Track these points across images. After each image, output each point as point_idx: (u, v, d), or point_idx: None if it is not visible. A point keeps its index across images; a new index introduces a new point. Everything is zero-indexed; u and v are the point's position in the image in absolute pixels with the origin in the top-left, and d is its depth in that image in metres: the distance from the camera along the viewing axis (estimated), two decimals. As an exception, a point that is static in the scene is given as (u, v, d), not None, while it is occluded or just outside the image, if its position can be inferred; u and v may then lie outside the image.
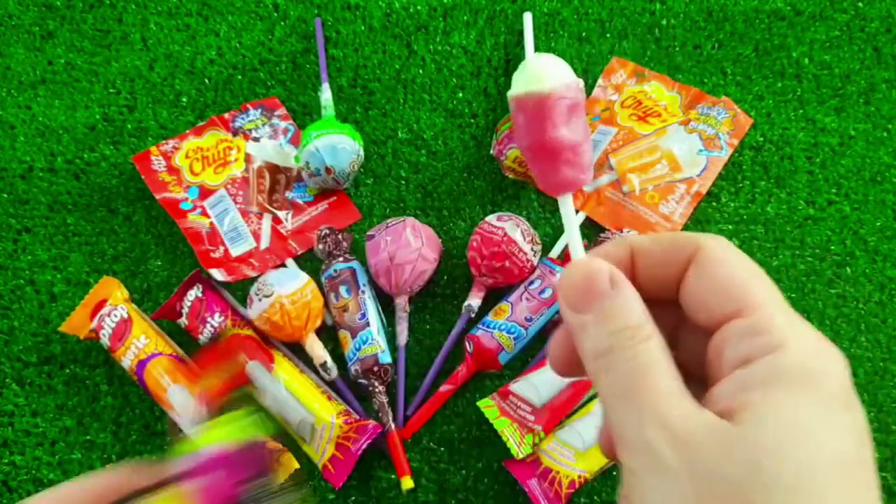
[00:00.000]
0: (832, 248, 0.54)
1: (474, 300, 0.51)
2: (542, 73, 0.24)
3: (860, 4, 0.63)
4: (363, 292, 0.50)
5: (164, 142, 0.58)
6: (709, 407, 0.17)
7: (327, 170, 0.53)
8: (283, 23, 0.65)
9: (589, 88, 0.61)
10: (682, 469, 0.16)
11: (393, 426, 0.47)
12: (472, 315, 0.51)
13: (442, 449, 0.48)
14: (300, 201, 0.57)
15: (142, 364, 0.47)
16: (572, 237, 0.24)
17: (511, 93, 0.25)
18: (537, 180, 0.26)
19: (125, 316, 0.49)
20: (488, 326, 0.49)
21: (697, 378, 0.20)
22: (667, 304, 0.21)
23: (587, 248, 0.53)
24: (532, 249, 0.50)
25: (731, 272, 0.19)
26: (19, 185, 0.58)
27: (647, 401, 0.18)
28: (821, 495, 0.15)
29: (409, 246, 0.49)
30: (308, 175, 0.55)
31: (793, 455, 0.15)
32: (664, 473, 0.16)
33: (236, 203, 0.56)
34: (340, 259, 0.52)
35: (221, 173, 0.57)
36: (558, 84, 0.24)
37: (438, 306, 0.52)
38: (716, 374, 0.18)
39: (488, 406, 0.47)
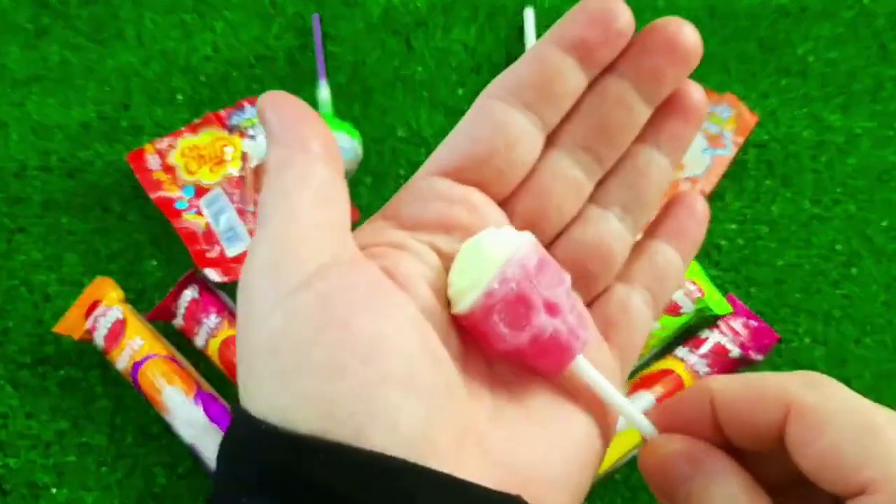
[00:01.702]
0: (838, 247, 0.53)
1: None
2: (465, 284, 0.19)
3: (865, 1, 0.62)
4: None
5: (159, 139, 0.58)
6: None
7: (325, 168, 0.53)
8: (280, 19, 0.64)
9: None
10: None
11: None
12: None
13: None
14: (298, 200, 0.56)
15: (137, 366, 0.47)
16: (619, 404, 0.20)
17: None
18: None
19: (120, 317, 0.48)
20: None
21: None
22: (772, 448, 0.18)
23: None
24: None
25: (843, 439, 0.15)
26: (12, 183, 0.57)
27: None
28: None
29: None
30: (305, 174, 0.54)
31: None
32: None
33: (232, 202, 0.55)
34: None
35: (217, 172, 0.57)
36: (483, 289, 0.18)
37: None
38: None
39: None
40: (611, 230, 0.21)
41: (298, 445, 0.15)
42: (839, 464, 0.15)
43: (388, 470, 0.15)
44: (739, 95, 0.58)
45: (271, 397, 0.16)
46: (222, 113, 0.59)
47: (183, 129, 0.58)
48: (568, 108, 0.21)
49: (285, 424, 0.15)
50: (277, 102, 0.19)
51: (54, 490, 0.47)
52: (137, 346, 0.47)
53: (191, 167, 0.57)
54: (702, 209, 0.23)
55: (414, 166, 0.57)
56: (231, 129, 0.58)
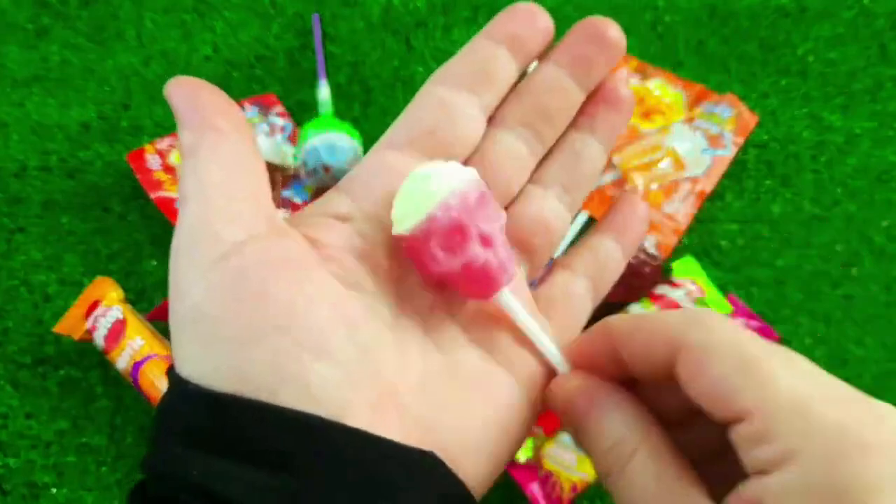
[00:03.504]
0: (838, 248, 0.53)
1: (474, 301, 0.50)
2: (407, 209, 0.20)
3: (865, 1, 0.62)
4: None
5: (159, 139, 0.58)
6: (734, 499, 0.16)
7: (325, 168, 0.53)
8: (279, 19, 0.64)
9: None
10: None
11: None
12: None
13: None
14: (297, 200, 0.56)
15: (137, 366, 0.47)
16: (537, 338, 0.21)
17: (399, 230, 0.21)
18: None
19: (120, 317, 0.48)
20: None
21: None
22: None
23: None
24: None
25: (723, 372, 0.16)
26: (12, 183, 0.57)
27: None
28: None
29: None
30: (305, 173, 0.54)
31: None
32: None
33: (233, 202, 0.55)
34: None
35: (218, 172, 0.57)
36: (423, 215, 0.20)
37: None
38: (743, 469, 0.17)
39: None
40: (551, 208, 0.23)
41: (220, 402, 0.16)
42: (720, 396, 0.16)
43: (296, 421, 0.16)
44: (739, 95, 0.58)
45: (196, 363, 0.17)
46: (222, 113, 0.59)
47: (183, 129, 0.58)
48: (505, 92, 0.23)
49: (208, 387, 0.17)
50: (182, 87, 0.19)
51: (54, 490, 0.47)
52: (138, 346, 0.47)
53: (191, 167, 0.57)
54: (643, 210, 0.25)
55: (414, 166, 0.57)
56: (231, 130, 0.58)
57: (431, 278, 0.21)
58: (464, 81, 0.22)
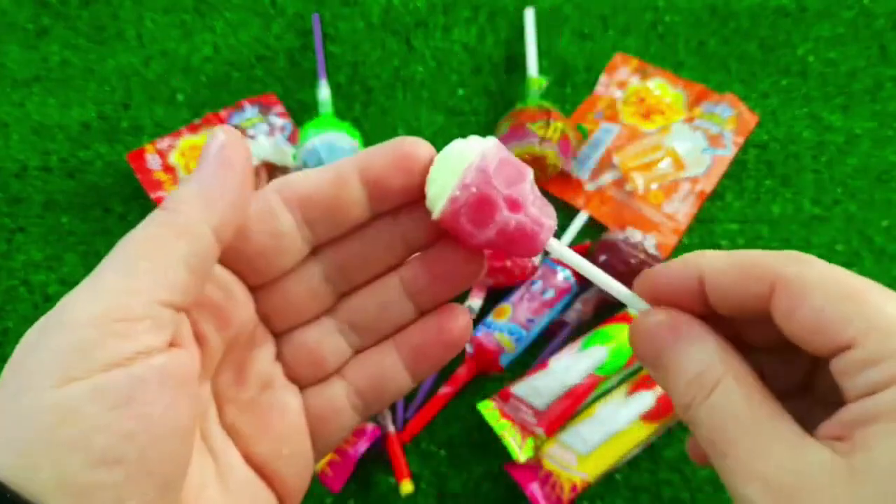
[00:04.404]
0: (838, 247, 0.53)
1: (475, 301, 0.50)
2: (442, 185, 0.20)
3: (865, 1, 0.62)
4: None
5: (159, 139, 0.58)
6: (826, 433, 0.17)
7: (325, 168, 0.53)
8: (280, 19, 0.64)
9: (591, 85, 0.60)
10: None
11: (392, 429, 0.47)
12: (473, 316, 0.50)
13: (442, 452, 0.48)
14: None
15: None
16: (603, 282, 0.21)
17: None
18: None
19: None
20: (489, 327, 0.49)
21: (811, 386, 0.18)
22: (757, 318, 0.19)
23: (590, 249, 0.52)
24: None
25: (826, 304, 0.17)
26: (13, 183, 0.57)
27: (737, 456, 0.17)
28: None
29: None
30: (306, 174, 0.54)
31: None
32: None
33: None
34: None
35: (218, 172, 0.57)
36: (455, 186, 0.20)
37: (438, 307, 0.52)
38: (841, 398, 0.17)
39: (489, 409, 0.46)
40: (332, 342, 0.23)
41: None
42: (824, 326, 0.17)
43: None
44: (740, 95, 0.58)
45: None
46: (222, 113, 0.59)
47: (183, 129, 0.58)
48: (342, 234, 0.22)
49: None
50: (214, 151, 0.19)
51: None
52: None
53: (191, 167, 0.57)
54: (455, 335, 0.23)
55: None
56: (231, 130, 0.58)
57: (477, 249, 0.21)
58: (309, 214, 0.21)
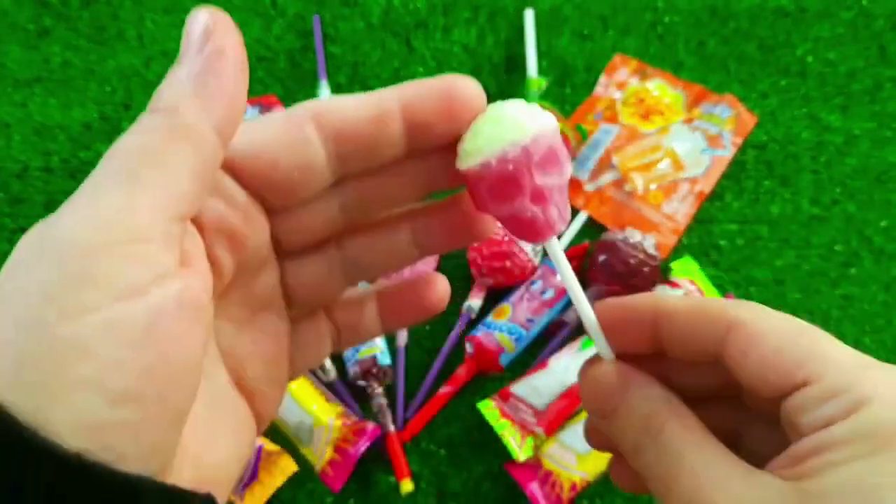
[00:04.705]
0: (837, 248, 0.53)
1: (475, 301, 0.50)
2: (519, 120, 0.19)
3: (864, 2, 0.62)
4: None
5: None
6: (777, 465, 0.17)
7: (326, 169, 0.53)
8: (280, 20, 0.64)
9: (591, 86, 0.60)
10: None
11: (392, 428, 0.47)
12: (473, 316, 0.50)
13: (442, 451, 0.48)
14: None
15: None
16: (579, 302, 0.21)
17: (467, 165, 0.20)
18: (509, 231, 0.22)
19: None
20: (489, 327, 0.49)
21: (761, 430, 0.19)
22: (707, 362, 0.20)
23: (589, 249, 0.53)
24: (533, 250, 0.50)
25: (782, 344, 0.18)
26: (14, 184, 0.57)
27: (692, 491, 0.17)
28: None
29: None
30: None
31: None
32: None
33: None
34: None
35: (218, 172, 0.57)
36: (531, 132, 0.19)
37: (438, 307, 0.52)
38: (793, 437, 0.18)
39: (489, 408, 0.46)
40: (334, 275, 0.23)
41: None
42: (780, 365, 0.17)
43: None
44: (739, 96, 0.58)
45: None
46: (223, 113, 0.59)
47: (184, 129, 0.59)
48: (371, 170, 0.21)
49: None
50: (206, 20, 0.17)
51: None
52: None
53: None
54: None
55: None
56: (232, 130, 0.58)
57: (484, 212, 0.21)
58: (344, 147, 0.20)
